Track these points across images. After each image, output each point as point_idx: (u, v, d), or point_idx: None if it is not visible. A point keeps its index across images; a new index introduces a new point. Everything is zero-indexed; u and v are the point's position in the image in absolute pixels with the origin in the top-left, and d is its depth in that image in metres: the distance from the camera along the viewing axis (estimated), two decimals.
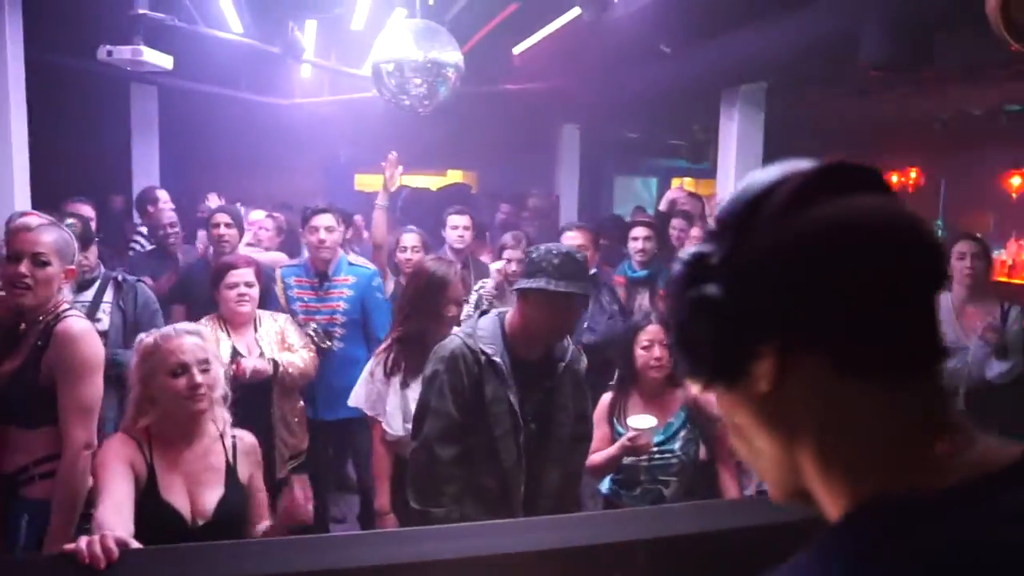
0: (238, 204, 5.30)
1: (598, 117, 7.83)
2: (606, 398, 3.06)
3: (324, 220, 3.80)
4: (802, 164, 0.72)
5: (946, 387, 0.69)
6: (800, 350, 0.65)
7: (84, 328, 2.32)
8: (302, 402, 3.43)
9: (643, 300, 4.14)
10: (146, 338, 2.06)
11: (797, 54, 4.48)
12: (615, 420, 2.99)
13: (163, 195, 5.58)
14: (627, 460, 2.92)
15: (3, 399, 2.25)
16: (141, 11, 4.77)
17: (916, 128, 8.47)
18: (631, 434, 2.76)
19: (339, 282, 3.81)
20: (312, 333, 3.59)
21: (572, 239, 3.86)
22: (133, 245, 5.36)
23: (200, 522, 1.99)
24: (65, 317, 2.30)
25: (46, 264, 2.27)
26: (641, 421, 2.79)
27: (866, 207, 0.67)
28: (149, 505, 1.91)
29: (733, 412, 0.72)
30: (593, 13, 4.22)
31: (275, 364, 3.17)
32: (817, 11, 4.14)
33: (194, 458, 2.04)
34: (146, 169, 7.82)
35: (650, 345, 2.94)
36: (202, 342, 2.06)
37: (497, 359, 2.33)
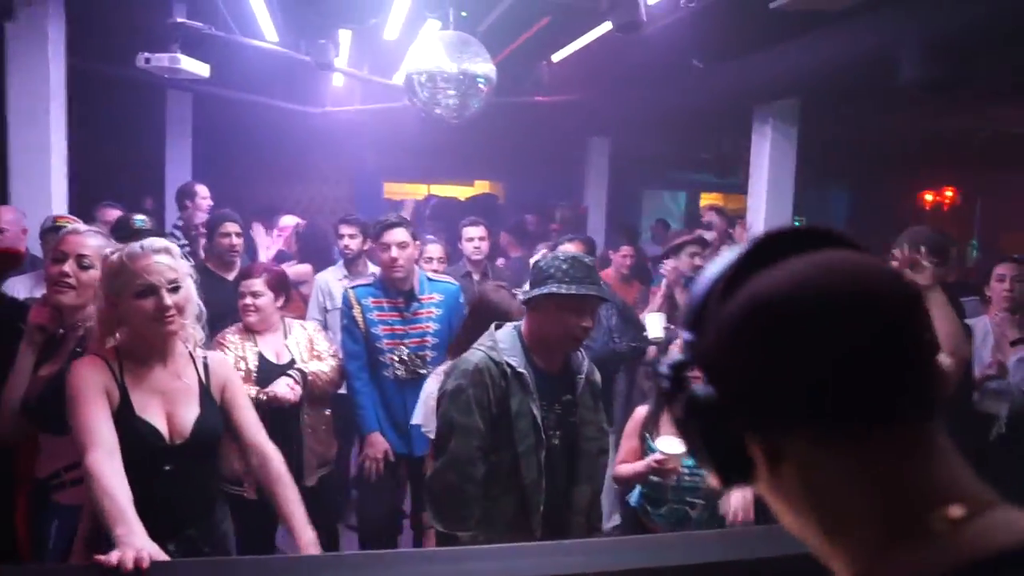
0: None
1: (628, 130, 7.81)
2: (640, 411, 3.03)
3: (396, 235, 3.39)
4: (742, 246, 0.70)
5: (950, 445, 0.64)
6: (780, 432, 0.64)
7: None
8: (329, 411, 3.41)
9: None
10: (112, 255, 2.00)
11: (833, 71, 4.44)
12: (647, 435, 2.97)
13: (202, 190, 5.37)
14: (652, 478, 2.90)
15: (39, 405, 2.25)
16: (179, 19, 4.85)
17: (953, 147, 8.34)
18: (658, 457, 2.74)
19: (426, 301, 3.51)
20: (403, 359, 3.43)
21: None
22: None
23: (178, 441, 1.98)
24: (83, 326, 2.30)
25: (89, 267, 2.28)
26: (670, 445, 2.77)
27: (797, 274, 0.65)
28: (124, 426, 1.88)
29: (762, 496, 0.71)
30: (625, 29, 4.20)
31: (303, 376, 3.17)
32: (854, 29, 4.09)
33: (167, 377, 2.03)
34: (179, 173, 7.90)
35: None
36: (171, 260, 1.97)
37: (523, 371, 2.30)
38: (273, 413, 3.00)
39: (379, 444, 3.41)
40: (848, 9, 3.89)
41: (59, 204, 4.25)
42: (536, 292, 2.28)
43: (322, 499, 3.28)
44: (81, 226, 2.44)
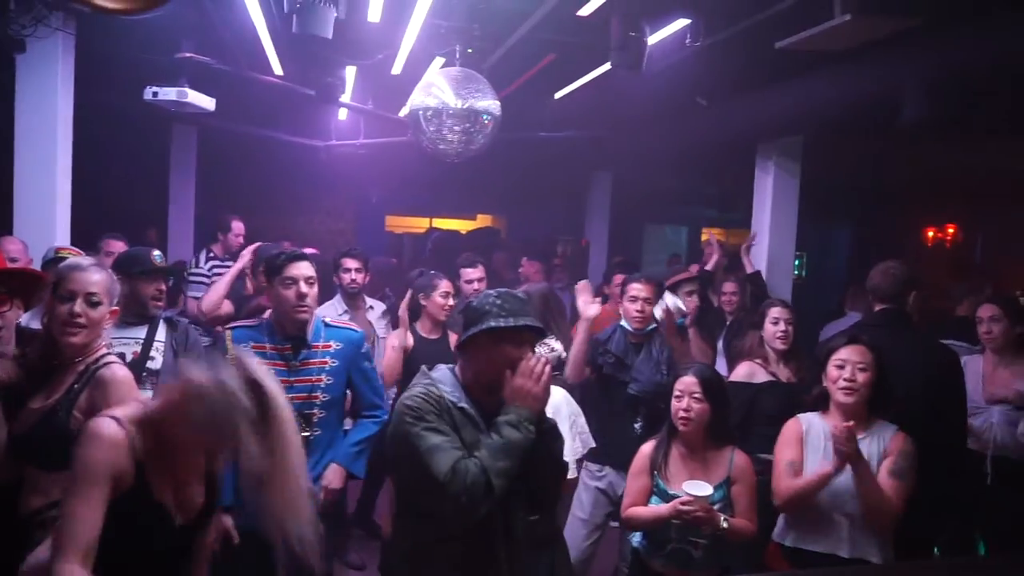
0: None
1: (630, 165, 7.85)
2: (646, 448, 3.00)
3: (304, 269, 2.97)
4: None
5: None
6: None
7: (128, 376, 2.31)
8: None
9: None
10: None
11: (837, 110, 4.48)
12: (656, 473, 2.93)
13: (237, 227, 5.43)
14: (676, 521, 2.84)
15: (27, 438, 2.21)
16: (187, 54, 4.90)
17: (954, 183, 8.38)
18: (685, 499, 2.70)
19: (320, 349, 3.02)
20: None
21: (638, 291, 3.83)
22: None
23: (183, 522, 1.96)
24: (109, 363, 2.29)
25: (98, 304, 2.28)
26: (697, 488, 2.73)
27: None
28: (132, 509, 1.84)
29: None
30: (627, 68, 4.24)
31: None
32: (857, 68, 4.13)
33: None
34: (182, 205, 7.94)
35: (680, 396, 2.88)
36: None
37: (465, 405, 2.19)
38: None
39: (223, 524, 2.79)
40: (852, 49, 3.94)
41: (63, 233, 4.25)
42: (474, 330, 2.18)
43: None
44: (84, 260, 2.40)
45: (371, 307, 4.75)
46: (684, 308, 3.96)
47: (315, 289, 3.00)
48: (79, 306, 2.24)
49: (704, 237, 9.50)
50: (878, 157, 7.44)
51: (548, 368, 2.18)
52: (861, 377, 2.74)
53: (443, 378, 2.26)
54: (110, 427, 1.80)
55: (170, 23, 4.40)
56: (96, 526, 1.73)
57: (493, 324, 2.16)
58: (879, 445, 2.75)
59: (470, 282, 4.51)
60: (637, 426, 3.63)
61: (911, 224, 10.00)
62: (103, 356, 2.31)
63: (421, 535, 2.23)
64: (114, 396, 2.18)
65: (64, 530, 1.72)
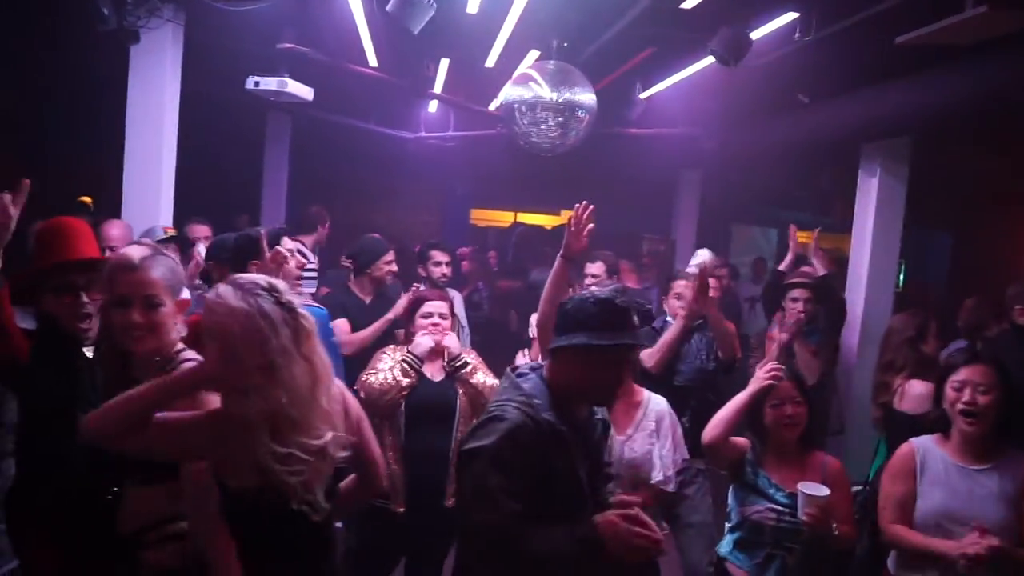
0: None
1: (722, 164, 7.63)
2: (741, 440, 2.89)
3: (289, 244, 3.13)
4: None
5: None
6: None
7: None
8: None
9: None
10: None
11: (952, 109, 4.20)
12: (759, 471, 2.82)
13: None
14: (754, 516, 2.74)
15: (120, 452, 1.95)
16: (287, 45, 4.99)
17: None
18: (807, 504, 2.58)
19: None
20: None
21: (682, 289, 3.86)
22: None
23: None
24: (185, 359, 2.01)
25: (159, 305, 2.00)
26: (813, 489, 2.62)
27: None
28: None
29: None
30: (728, 62, 4.10)
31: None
32: (977, 65, 3.87)
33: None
34: (275, 192, 8.16)
35: (780, 403, 2.77)
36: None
37: (563, 428, 1.98)
38: (429, 420, 3.10)
39: None
40: (974, 44, 3.69)
41: (166, 216, 4.40)
42: (563, 342, 2.01)
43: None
44: (135, 254, 2.04)
45: (451, 298, 4.80)
46: (716, 260, 3.83)
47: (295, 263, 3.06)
48: (137, 313, 1.97)
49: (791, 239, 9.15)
50: (989, 159, 7.00)
51: (648, 531, 1.84)
52: (983, 400, 2.51)
53: (534, 390, 2.05)
54: None
55: (272, 14, 4.49)
56: None
57: (587, 342, 1.97)
58: (1011, 478, 2.50)
59: (587, 276, 4.41)
60: (684, 420, 3.48)
61: (1019, 233, 9.38)
62: (180, 352, 2.04)
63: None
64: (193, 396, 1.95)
65: None
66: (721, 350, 3.82)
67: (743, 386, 2.87)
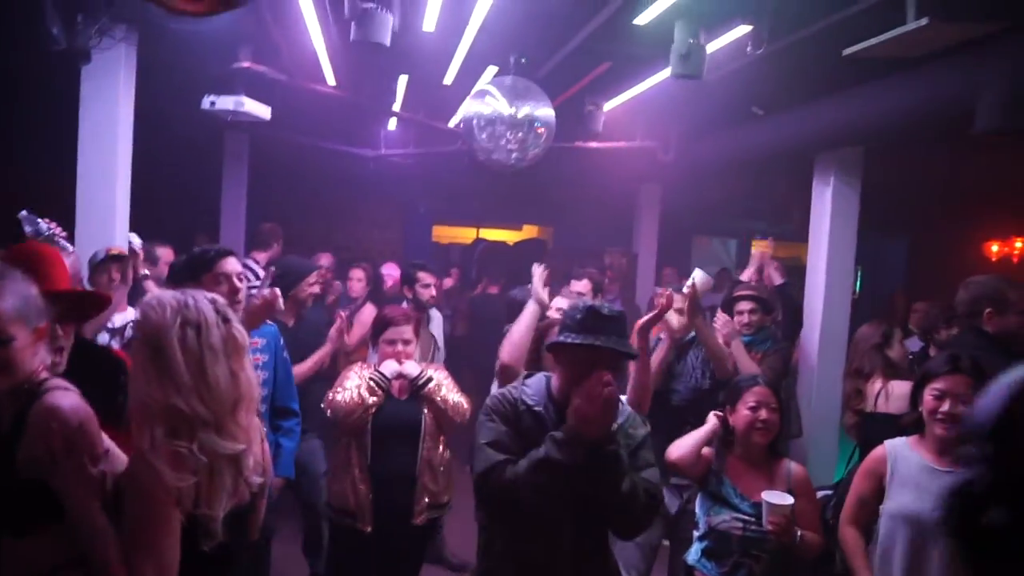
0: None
1: (681, 177, 7.73)
2: (707, 451, 2.94)
3: (234, 265, 3.06)
4: None
5: None
6: None
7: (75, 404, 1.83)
8: (448, 452, 3.41)
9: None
10: None
11: (904, 118, 4.30)
12: (723, 480, 2.87)
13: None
14: (720, 526, 2.76)
15: None
16: (244, 64, 4.95)
17: (1020, 194, 8.07)
18: (771, 512, 2.64)
19: (252, 347, 3.01)
20: None
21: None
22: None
23: None
24: (53, 388, 1.82)
25: (7, 342, 1.76)
26: (777, 497, 2.67)
27: None
28: None
29: None
30: (688, 77, 4.15)
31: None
32: (928, 75, 3.98)
33: None
34: (234, 212, 8.06)
35: (757, 406, 2.81)
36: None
37: (540, 409, 2.26)
38: (395, 438, 3.14)
39: None
40: (921, 56, 3.80)
41: (121, 239, 4.31)
42: (555, 340, 2.28)
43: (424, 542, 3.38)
44: None
45: (431, 318, 4.80)
46: (711, 281, 3.85)
47: (245, 285, 3.07)
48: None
49: (753, 250, 9.38)
50: (940, 166, 7.20)
51: (610, 391, 2.10)
52: (963, 411, 2.50)
53: (533, 383, 2.36)
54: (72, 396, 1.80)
55: (227, 33, 4.45)
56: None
57: (565, 340, 2.19)
58: None
59: (573, 294, 4.42)
60: None
61: (973, 237, 9.65)
62: (45, 383, 1.84)
63: (495, 532, 2.33)
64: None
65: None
66: (716, 369, 3.83)
67: None
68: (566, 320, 2.25)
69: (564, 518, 2.21)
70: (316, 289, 4.01)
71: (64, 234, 2.84)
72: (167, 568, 1.70)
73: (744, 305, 4.28)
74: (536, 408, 2.25)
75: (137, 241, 3.89)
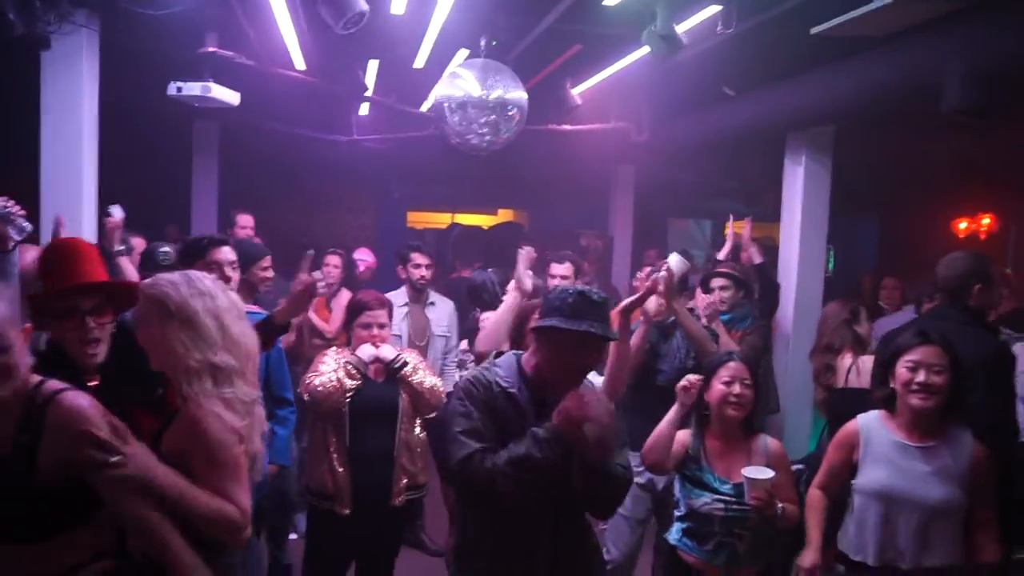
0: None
1: (655, 159, 7.74)
2: (682, 435, 2.94)
3: (227, 254, 3.08)
4: None
5: None
6: None
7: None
8: (424, 434, 3.41)
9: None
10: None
11: (873, 97, 4.33)
12: (702, 463, 2.89)
13: (245, 219, 5.37)
14: (702, 508, 2.79)
15: None
16: (211, 49, 4.87)
17: (990, 173, 8.18)
18: (752, 487, 2.68)
19: None
20: None
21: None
22: None
23: None
24: (53, 390, 1.83)
25: (7, 349, 1.77)
26: (758, 472, 2.71)
27: None
28: None
29: None
30: (663, 56, 4.15)
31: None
32: (896, 54, 4.00)
33: None
34: (205, 201, 7.96)
35: (731, 381, 2.84)
36: None
37: (514, 391, 2.25)
38: (372, 421, 3.14)
39: None
40: (889, 35, 3.82)
41: (89, 231, 4.23)
42: (538, 323, 2.27)
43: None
44: None
45: (432, 303, 4.76)
46: (687, 265, 3.81)
47: (238, 274, 3.12)
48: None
49: (726, 231, 9.45)
50: (909, 146, 7.28)
51: (597, 400, 2.14)
52: (937, 380, 2.52)
53: (503, 363, 2.33)
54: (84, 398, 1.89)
55: (194, 17, 4.37)
56: None
57: (556, 324, 2.18)
58: (957, 455, 2.56)
59: (554, 277, 4.38)
60: None
61: (941, 215, 9.79)
62: (42, 385, 1.86)
63: (470, 517, 2.33)
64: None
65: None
66: (698, 351, 3.84)
67: None
68: (555, 303, 2.22)
69: (543, 503, 2.23)
70: (269, 274, 3.93)
71: (23, 213, 2.76)
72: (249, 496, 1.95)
73: (717, 282, 4.31)
74: (511, 390, 2.24)
75: (119, 213, 3.79)
